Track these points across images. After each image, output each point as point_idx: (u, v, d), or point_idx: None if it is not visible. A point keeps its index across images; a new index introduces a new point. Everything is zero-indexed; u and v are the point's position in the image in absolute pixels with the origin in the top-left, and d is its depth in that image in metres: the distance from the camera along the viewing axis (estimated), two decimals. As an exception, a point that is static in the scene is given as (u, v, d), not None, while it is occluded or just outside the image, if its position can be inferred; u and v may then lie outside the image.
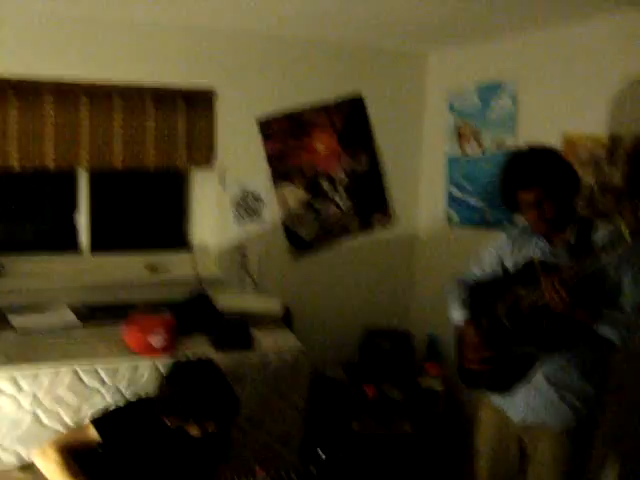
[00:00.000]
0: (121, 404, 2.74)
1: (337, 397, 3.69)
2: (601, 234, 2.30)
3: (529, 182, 2.30)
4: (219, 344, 3.06)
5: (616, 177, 2.82)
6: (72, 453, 2.48)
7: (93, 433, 2.52)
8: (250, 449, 3.16)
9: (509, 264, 2.57)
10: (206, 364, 2.64)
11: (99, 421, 2.57)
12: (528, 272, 2.38)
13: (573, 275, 2.16)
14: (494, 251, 2.65)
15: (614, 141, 2.85)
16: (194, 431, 2.53)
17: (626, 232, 2.01)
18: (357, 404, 3.63)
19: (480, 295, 2.63)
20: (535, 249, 2.46)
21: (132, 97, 3.45)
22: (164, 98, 3.52)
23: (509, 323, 2.44)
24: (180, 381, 2.53)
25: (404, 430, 3.58)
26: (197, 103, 3.61)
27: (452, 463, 3.77)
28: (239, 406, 2.64)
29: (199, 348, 3.04)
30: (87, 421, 2.61)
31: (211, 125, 3.68)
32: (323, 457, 2.51)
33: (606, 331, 2.22)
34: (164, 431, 2.56)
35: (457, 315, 2.66)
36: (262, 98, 3.76)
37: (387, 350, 3.88)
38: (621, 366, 2.62)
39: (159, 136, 3.55)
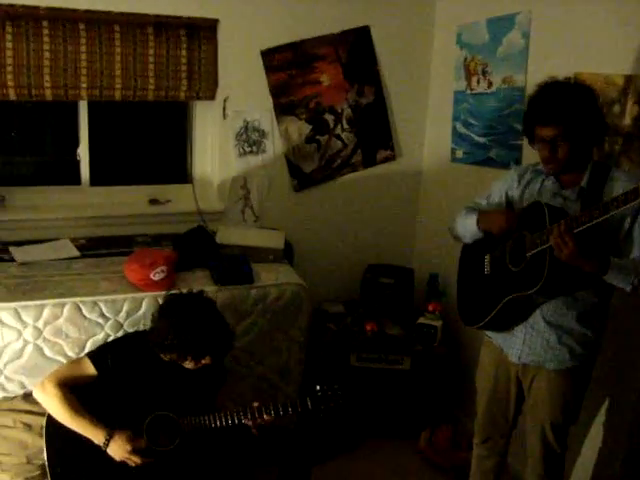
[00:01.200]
0: (117, 337, 2.76)
1: (337, 332, 3.71)
2: (616, 185, 2.25)
3: (548, 118, 2.24)
4: (219, 278, 3.06)
5: (627, 119, 2.75)
6: (70, 387, 2.52)
7: (89, 366, 2.56)
8: (249, 382, 3.21)
9: (514, 196, 2.53)
10: (199, 297, 2.64)
11: (94, 355, 2.61)
12: (534, 214, 2.34)
13: (580, 223, 2.10)
14: (502, 189, 2.60)
15: (628, 82, 2.76)
16: (189, 365, 2.57)
17: None
18: (356, 339, 3.65)
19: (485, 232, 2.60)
20: (543, 187, 2.43)
21: (133, 27, 3.35)
22: (166, 28, 3.42)
23: (511, 264, 2.43)
24: (172, 315, 2.54)
25: (402, 366, 3.62)
26: (199, 34, 3.51)
27: (450, 400, 3.84)
28: (233, 340, 2.67)
29: (199, 282, 3.05)
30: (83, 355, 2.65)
31: (213, 56, 3.58)
32: (319, 391, 2.55)
33: (615, 279, 2.19)
34: (159, 363, 2.60)
35: (471, 219, 2.58)
36: (266, 29, 3.65)
37: (388, 287, 3.89)
38: (620, 309, 2.63)
39: (160, 67, 3.48)
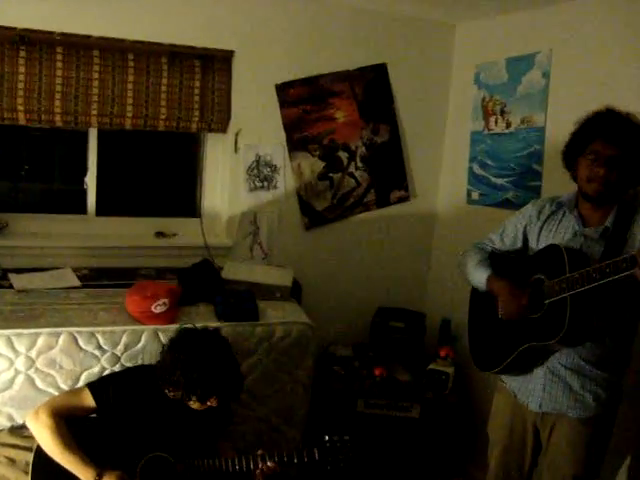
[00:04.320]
0: (119, 369, 2.64)
1: (344, 376, 3.57)
2: None
3: (616, 136, 2.14)
4: (223, 314, 2.94)
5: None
6: (66, 418, 2.38)
7: (88, 398, 2.42)
8: (250, 424, 3.06)
9: (533, 232, 2.42)
10: (213, 335, 2.52)
11: (95, 385, 2.47)
12: (552, 257, 2.24)
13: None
14: (520, 225, 2.49)
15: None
16: (194, 405, 2.43)
17: None
18: (364, 384, 3.51)
19: (497, 270, 2.49)
20: (563, 223, 2.33)
21: (147, 55, 3.32)
22: (180, 58, 3.39)
23: (530, 312, 2.30)
24: (182, 350, 2.41)
25: (412, 413, 3.46)
26: (214, 65, 3.48)
27: (461, 452, 3.67)
28: (243, 383, 2.53)
29: (203, 317, 2.93)
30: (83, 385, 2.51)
31: (227, 88, 3.54)
32: (327, 442, 2.39)
33: None
34: (163, 400, 2.46)
35: (480, 274, 2.49)
36: (281, 63, 3.60)
37: (399, 331, 3.76)
38: None
39: (172, 97, 3.43)
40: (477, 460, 3.51)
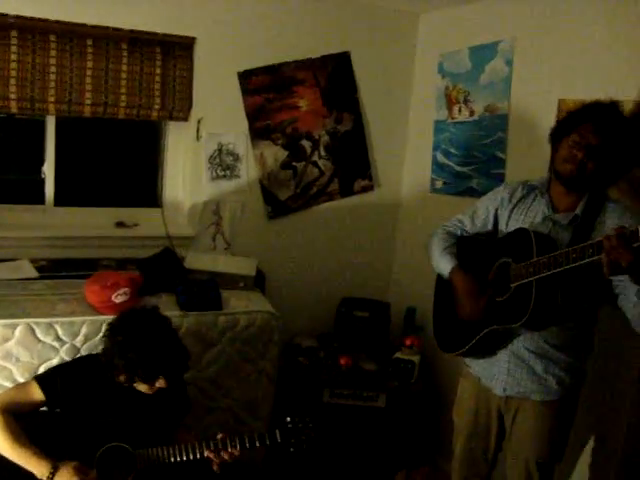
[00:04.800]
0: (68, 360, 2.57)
1: (309, 366, 3.54)
2: (609, 219, 2.16)
3: (604, 127, 2.13)
4: (185, 303, 2.90)
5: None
6: (15, 413, 2.30)
7: (36, 391, 2.35)
8: (215, 416, 3.02)
9: (503, 226, 2.42)
10: (150, 314, 2.46)
11: (43, 378, 2.40)
12: (519, 241, 2.24)
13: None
14: (491, 207, 2.49)
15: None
16: (143, 388, 2.38)
17: None
18: (329, 374, 3.48)
19: (465, 253, 2.49)
20: (534, 207, 2.33)
21: (106, 41, 3.23)
22: (140, 44, 3.31)
23: (495, 295, 2.30)
24: (121, 332, 2.35)
25: (377, 403, 3.45)
26: (175, 52, 3.40)
27: (427, 440, 3.67)
28: (187, 359, 2.46)
29: (165, 307, 2.86)
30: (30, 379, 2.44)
31: (189, 75, 3.47)
32: (289, 423, 2.37)
33: None
34: (114, 388, 2.40)
35: (445, 263, 2.49)
36: (244, 50, 3.54)
37: (363, 320, 3.74)
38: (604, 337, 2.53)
39: (133, 84, 3.35)
40: (444, 449, 3.50)
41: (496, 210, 2.46)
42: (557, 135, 2.29)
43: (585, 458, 2.77)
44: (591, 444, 2.75)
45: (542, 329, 2.24)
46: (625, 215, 2.16)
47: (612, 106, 2.19)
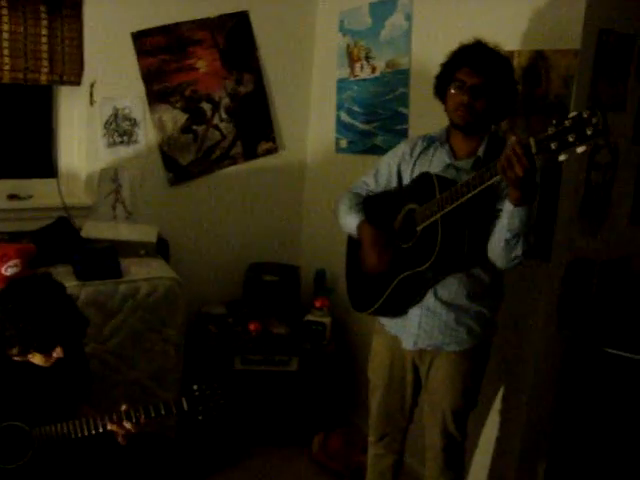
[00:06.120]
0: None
1: (218, 334, 3.46)
2: None
3: (479, 66, 2.16)
4: (82, 273, 2.77)
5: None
6: None
7: None
8: (121, 389, 2.91)
9: (407, 180, 2.40)
10: (42, 280, 2.32)
11: None
12: (422, 186, 2.24)
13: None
14: (393, 163, 2.46)
15: (510, 57, 2.68)
16: (38, 359, 2.24)
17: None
18: (240, 341, 3.42)
19: (372, 210, 2.46)
20: (435, 157, 2.33)
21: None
22: (22, 2, 3.09)
23: (402, 242, 2.29)
24: (10, 301, 2.19)
25: (290, 367, 3.41)
26: (62, 10, 3.20)
27: (343, 402, 3.67)
28: (86, 325, 2.34)
29: (61, 278, 2.70)
30: None
31: (78, 36, 3.28)
32: (196, 390, 2.30)
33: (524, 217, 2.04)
34: (8, 365, 2.26)
35: (351, 220, 2.46)
36: (137, 9, 3.38)
37: (273, 285, 3.68)
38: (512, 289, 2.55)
39: (17, 45, 3.13)
40: (360, 408, 3.51)
41: (398, 166, 2.44)
42: (440, 88, 2.31)
43: (497, 404, 2.81)
44: (502, 392, 2.79)
45: (450, 272, 2.24)
46: None
47: (479, 45, 2.23)
